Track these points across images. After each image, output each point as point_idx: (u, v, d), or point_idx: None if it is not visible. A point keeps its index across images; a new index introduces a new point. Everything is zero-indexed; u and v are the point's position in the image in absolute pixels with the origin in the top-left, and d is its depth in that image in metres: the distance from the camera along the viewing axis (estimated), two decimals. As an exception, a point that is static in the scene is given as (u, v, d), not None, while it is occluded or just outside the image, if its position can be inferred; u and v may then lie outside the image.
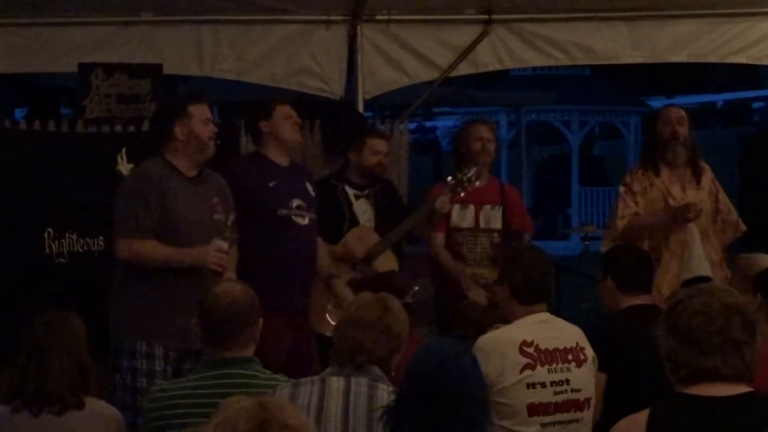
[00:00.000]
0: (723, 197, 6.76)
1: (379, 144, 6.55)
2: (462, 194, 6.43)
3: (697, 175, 6.68)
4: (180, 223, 5.28)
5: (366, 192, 6.52)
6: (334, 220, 6.36)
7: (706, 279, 6.26)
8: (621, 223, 6.59)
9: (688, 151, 6.65)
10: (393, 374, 3.82)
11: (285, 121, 6.01)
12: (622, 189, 6.77)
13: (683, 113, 6.74)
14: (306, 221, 5.97)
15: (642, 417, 3.04)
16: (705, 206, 6.62)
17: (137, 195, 5.25)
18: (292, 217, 5.94)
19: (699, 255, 6.51)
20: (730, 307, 3.03)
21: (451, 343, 3.36)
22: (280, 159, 6.02)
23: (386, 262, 6.40)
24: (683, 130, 6.65)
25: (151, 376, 5.15)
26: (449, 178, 6.45)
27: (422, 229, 6.59)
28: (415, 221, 6.43)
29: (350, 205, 6.46)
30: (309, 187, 6.10)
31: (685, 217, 6.46)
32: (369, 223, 6.47)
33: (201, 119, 5.38)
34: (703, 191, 6.67)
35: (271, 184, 5.92)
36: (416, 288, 5.18)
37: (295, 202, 5.95)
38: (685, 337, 3.03)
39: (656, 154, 6.67)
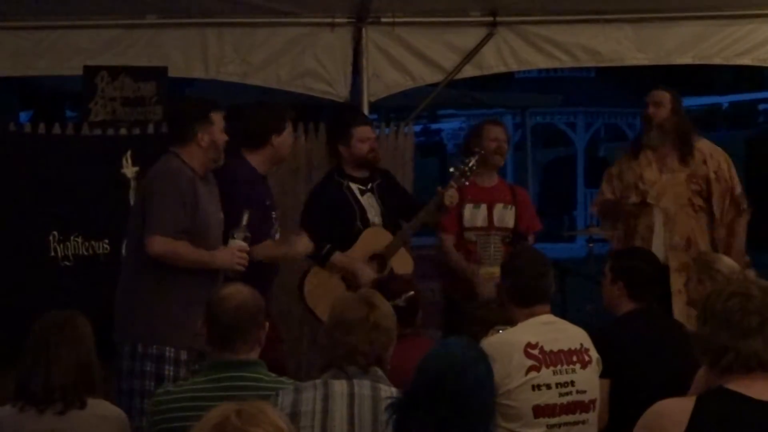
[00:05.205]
0: (723, 177, 6.75)
1: (366, 131, 6.51)
2: (466, 183, 6.42)
3: (683, 159, 6.67)
4: (207, 222, 5.30)
5: (369, 186, 6.52)
6: (346, 218, 6.37)
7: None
8: (594, 210, 6.99)
9: (668, 133, 6.66)
10: (388, 368, 3.82)
11: (289, 138, 6.08)
12: (605, 174, 6.99)
13: (664, 95, 6.74)
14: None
15: (687, 404, 2.98)
16: (679, 189, 6.66)
17: (174, 193, 5.23)
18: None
19: (656, 240, 6.58)
20: (767, 290, 2.99)
21: (470, 347, 3.32)
22: (263, 168, 6.03)
23: (401, 262, 6.40)
24: (660, 112, 6.67)
25: (160, 380, 5.12)
26: (451, 169, 6.45)
27: (432, 222, 6.57)
28: (424, 217, 6.41)
29: (358, 201, 6.46)
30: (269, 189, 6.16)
31: (614, 212, 6.73)
32: (377, 217, 6.46)
33: (220, 127, 5.42)
34: (683, 174, 6.68)
35: (267, 203, 5.93)
36: (411, 293, 5.18)
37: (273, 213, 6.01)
38: (723, 320, 2.98)
39: (642, 137, 6.75)
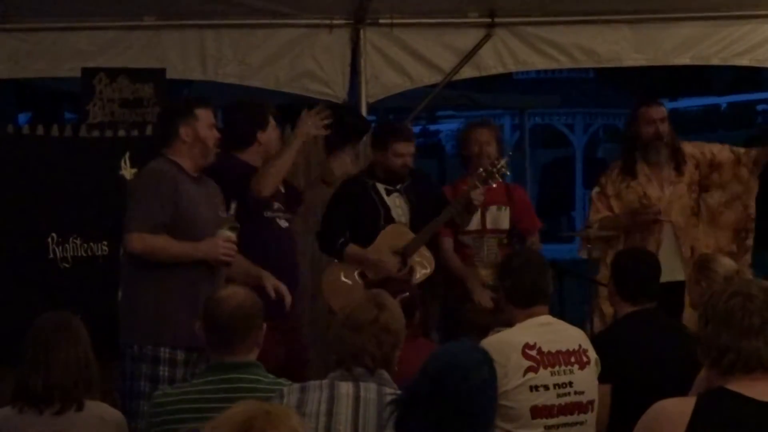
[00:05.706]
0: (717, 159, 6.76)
1: (403, 147, 6.48)
2: (494, 185, 6.41)
3: (678, 169, 6.69)
4: (194, 219, 5.28)
5: (398, 187, 6.52)
6: (370, 217, 6.40)
7: (676, 284, 6.25)
8: (592, 232, 6.75)
9: (669, 148, 6.68)
10: (395, 370, 3.81)
11: (274, 132, 6.07)
12: (595, 191, 6.90)
13: (663, 110, 6.79)
14: (286, 224, 6.03)
15: (687, 406, 2.97)
16: (683, 201, 6.67)
17: (150, 191, 5.24)
18: (276, 220, 5.98)
19: (668, 255, 6.50)
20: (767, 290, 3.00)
21: (475, 350, 3.30)
22: (258, 162, 6.01)
23: (423, 260, 6.40)
24: (665, 128, 6.70)
25: (155, 381, 5.12)
26: (480, 169, 6.42)
27: (460, 219, 6.54)
28: (448, 215, 6.40)
29: (383, 201, 6.47)
30: (281, 187, 6.10)
31: (643, 219, 6.57)
32: (404, 218, 6.47)
33: (207, 123, 5.40)
34: (683, 185, 6.69)
35: None
36: (406, 294, 5.17)
37: (276, 204, 5.99)
38: (724, 320, 2.98)
39: (636, 155, 6.72)
